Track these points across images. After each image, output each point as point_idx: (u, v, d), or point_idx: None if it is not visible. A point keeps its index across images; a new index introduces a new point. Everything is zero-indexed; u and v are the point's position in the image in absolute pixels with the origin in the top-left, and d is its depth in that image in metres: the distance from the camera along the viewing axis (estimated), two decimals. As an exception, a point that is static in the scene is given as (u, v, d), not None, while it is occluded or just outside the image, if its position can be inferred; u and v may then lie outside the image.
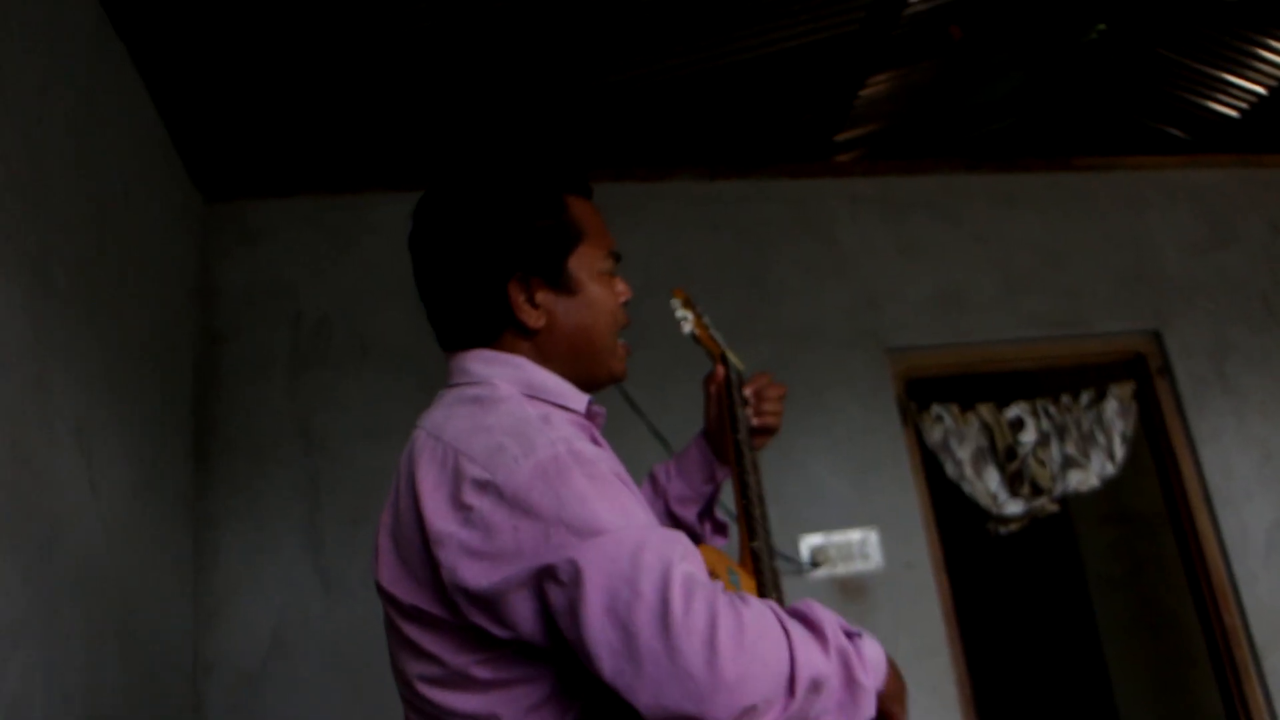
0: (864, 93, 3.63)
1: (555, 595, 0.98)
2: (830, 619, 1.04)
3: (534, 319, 1.24)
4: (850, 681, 1.02)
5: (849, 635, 1.07)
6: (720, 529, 1.67)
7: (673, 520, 1.61)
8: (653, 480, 1.66)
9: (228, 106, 2.96)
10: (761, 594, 1.31)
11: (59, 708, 1.86)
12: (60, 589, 1.90)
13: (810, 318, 3.51)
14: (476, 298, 1.24)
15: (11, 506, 1.71)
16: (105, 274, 2.28)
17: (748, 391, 1.60)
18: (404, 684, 1.15)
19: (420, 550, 1.08)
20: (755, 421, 1.59)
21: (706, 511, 1.65)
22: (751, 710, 0.92)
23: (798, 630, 0.99)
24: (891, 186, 3.78)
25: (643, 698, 0.92)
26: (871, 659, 1.07)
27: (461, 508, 1.04)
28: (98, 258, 2.23)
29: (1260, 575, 3.49)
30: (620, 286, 1.34)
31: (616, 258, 1.34)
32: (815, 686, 0.98)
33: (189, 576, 2.83)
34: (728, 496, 1.59)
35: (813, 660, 0.97)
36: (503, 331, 1.25)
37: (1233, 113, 3.94)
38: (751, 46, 3.18)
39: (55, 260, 1.98)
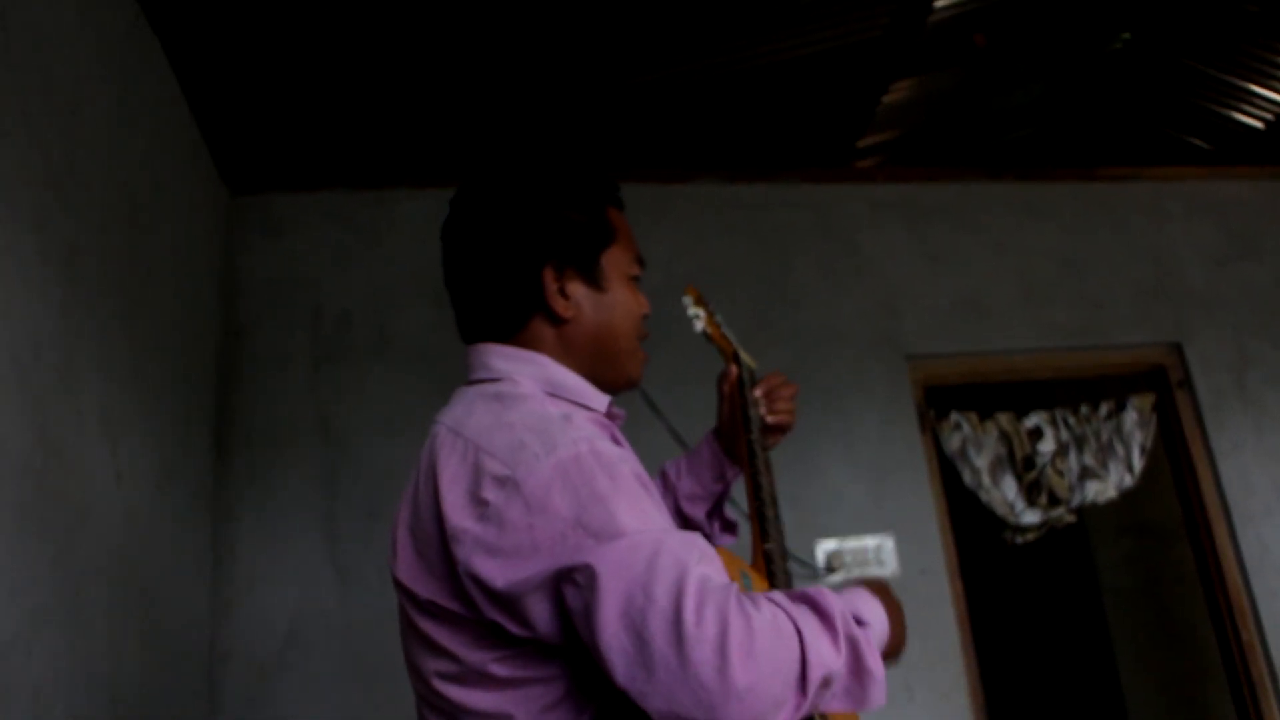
0: (887, 99, 3.63)
1: (572, 597, 0.98)
2: (839, 607, 1.04)
3: (563, 308, 1.25)
4: (859, 669, 1.03)
5: (858, 621, 1.07)
6: (729, 527, 1.68)
7: (681, 518, 1.62)
8: (663, 477, 1.66)
9: (256, 101, 2.99)
10: (774, 596, 1.31)
11: (82, 693, 1.89)
12: (84, 576, 1.93)
13: (830, 323, 3.51)
14: (509, 281, 1.25)
15: (40, 493, 1.73)
16: (133, 265, 2.31)
17: (758, 392, 1.60)
18: (419, 679, 1.15)
19: (438, 545, 1.08)
20: (769, 419, 1.59)
21: (716, 510, 1.65)
22: (764, 715, 0.92)
23: (809, 625, 0.99)
24: (913, 193, 3.78)
25: (655, 704, 0.92)
26: (879, 639, 1.09)
27: (479, 503, 1.04)
28: (127, 249, 2.26)
29: (1279, 591, 3.47)
30: (642, 298, 1.35)
31: (642, 265, 1.36)
32: (826, 682, 0.99)
33: (207, 566, 2.86)
34: (738, 495, 1.59)
35: (824, 657, 0.98)
36: (530, 319, 1.26)
37: (1257, 124, 3.92)
38: (775, 51, 3.18)
39: (86, 251, 2.01)
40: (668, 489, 1.64)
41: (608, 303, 1.29)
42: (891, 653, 1.15)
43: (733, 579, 1.12)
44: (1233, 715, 3.55)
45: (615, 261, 1.30)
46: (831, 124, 3.71)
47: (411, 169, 3.39)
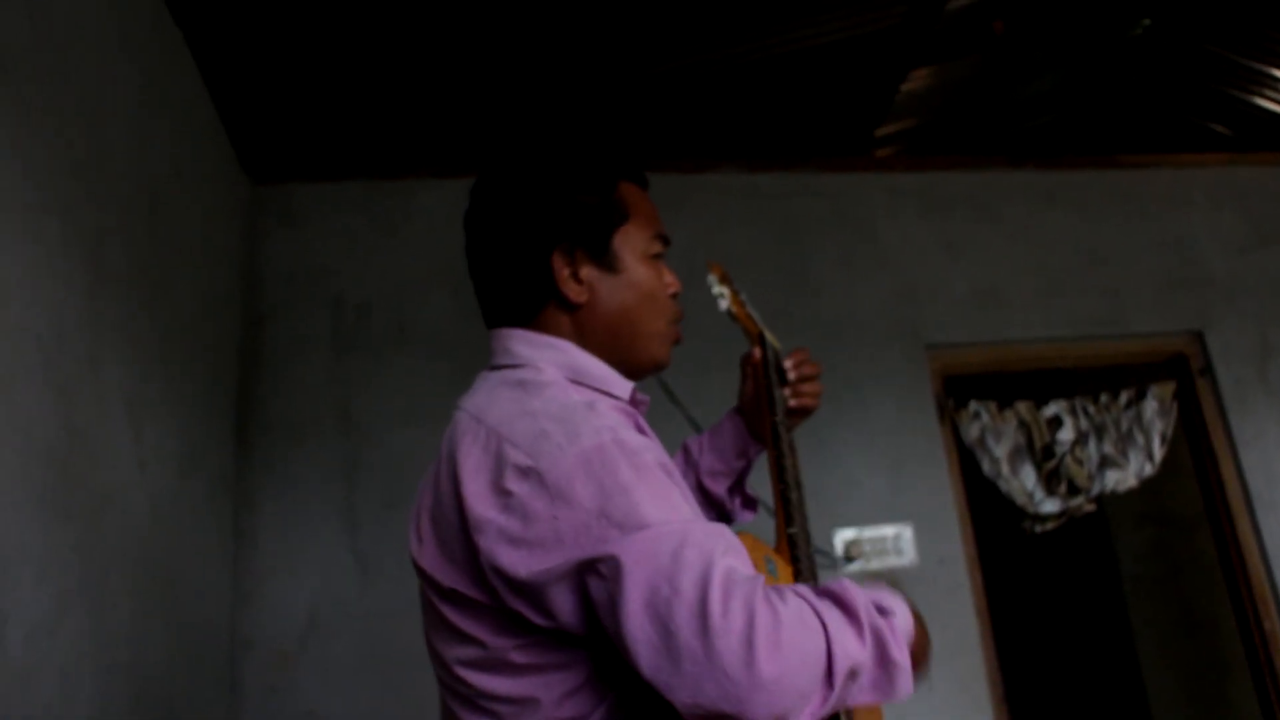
0: (905, 87, 3.61)
1: (596, 588, 0.97)
2: (863, 598, 1.03)
3: (576, 293, 1.23)
4: (885, 660, 1.01)
5: (881, 611, 1.06)
6: (750, 504, 1.67)
7: (703, 493, 1.61)
8: (685, 452, 1.65)
9: (277, 92, 3.01)
10: (797, 582, 1.28)
11: (106, 677, 1.90)
12: (108, 562, 1.94)
13: (849, 312, 3.50)
14: (521, 267, 1.24)
15: (64, 479, 1.75)
16: (157, 254, 2.32)
17: (788, 363, 1.57)
18: (441, 665, 1.14)
19: (460, 534, 1.07)
20: (794, 403, 1.57)
21: (737, 486, 1.64)
22: (790, 708, 0.92)
23: (833, 618, 0.98)
24: (932, 182, 3.76)
25: (680, 695, 0.91)
26: (903, 630, 1.07)
27: (502, 494, 1.03)
28: (150, 238, 2.28)
29: (1302, 580, 3.45)
30: (669, 277, 1.32)
31: (665, 242, 1.32)
32: (853, 674, 0.98)
33: (229, 554, 2.88)
34: (759, 478, 1.58)
35: (849, 648, 0.97)
36: (545, 305, 1.24)
37: (1280, 110, 3.90)
38: (793, 40, 3.17)
39: (111, 240, 2.02)
40: (689, 465, 1.63)
41: (622, 285, 1.26)
42: (918, 654, 1.13)
43: (757, 564, 1.11)
44: (1254, 705, 3.53)
45: (630, 240, 1.27)
46: (850, 113, 3.70)
47: (431, 160, 3.40)
